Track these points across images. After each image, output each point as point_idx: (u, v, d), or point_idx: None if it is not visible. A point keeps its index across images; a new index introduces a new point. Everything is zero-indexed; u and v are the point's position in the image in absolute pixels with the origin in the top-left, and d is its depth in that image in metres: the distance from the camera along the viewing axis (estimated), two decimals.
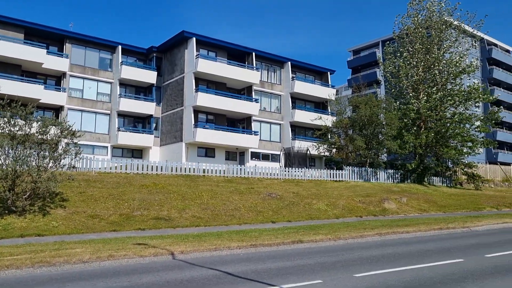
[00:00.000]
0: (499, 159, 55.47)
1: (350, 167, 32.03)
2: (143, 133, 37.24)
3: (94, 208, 17.58)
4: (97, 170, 24.01)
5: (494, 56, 60.01)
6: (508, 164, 51.30)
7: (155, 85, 38.43)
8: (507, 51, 64.92)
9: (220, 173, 27.20)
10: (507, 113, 59.35)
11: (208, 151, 36.50)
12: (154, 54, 39.02)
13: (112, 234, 14.99)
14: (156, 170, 25.46)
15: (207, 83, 37.09)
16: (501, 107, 50.56)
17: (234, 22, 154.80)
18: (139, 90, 38.98)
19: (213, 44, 37.40)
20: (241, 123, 39.42)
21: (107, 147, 36.30)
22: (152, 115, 37.98)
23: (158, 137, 38.58)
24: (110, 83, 37.42)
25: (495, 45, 61.74)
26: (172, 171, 25.84)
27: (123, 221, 16.86)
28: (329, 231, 15.14)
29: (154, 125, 38.54)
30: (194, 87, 35.07)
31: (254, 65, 38.63)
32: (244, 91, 39.33)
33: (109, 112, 36.97)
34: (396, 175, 34.16)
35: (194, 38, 35.66)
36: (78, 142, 18.20)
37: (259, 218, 19.35)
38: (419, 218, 20.90)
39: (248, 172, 28.26)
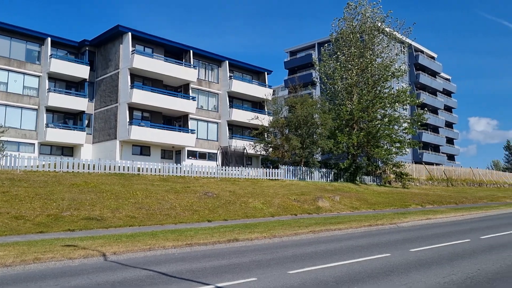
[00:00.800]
0: (424, 159, 58.96)
1: (286, 166, 32.61)
2: (74, 130, 35.67)
3: (19, 209, 16.59)
4: (23, 169, 22.69)
5: (421, 62, 63.66)
6: (432, 164, 54.74)
7: (87, 80, 36.88)
8: (432, 57, 69.09)
9: (155, 171, 26.69)
10: (431, 116, 63.30)
11: (143, 149, 35.67)
12: (87, 48, 37.47)
13: (39, 236, 14.21)
14: (88, 169, 24.51)
15: (143, 79, 36.22)
16: (426, 109, 53.84)
17: (172, 19, 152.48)
18: (70, 85, 37.28)
19: (149, 40, 36.58)
20: (177, 121, 38.89)
21: (34, 144, 34.38)
22: (84, 111, 36.46)
23: (91, 134, 37.11)
24: (38, 76, 35.46)
25: (422, 51, 65.49)
26: (105, 169, 25.00)
27: (51, 222, 16.04)
28: (264, 229, 15.32)
29: (86, 121, 37.03)
30: (129, 84, 34.12)
31: (192, 63, 38.26)
32: (181, 89, 38.82)
33: (36, 107, 35.02)
34: (330, 174, 35.24)
35: (130, 33, 34.67)
36: (1, 139, 17.08)
37: (195, 217, 19.20)
38: (351, 215, 21.69)
39: (184, 170, 27.95)
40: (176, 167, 27.80)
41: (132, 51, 34.26)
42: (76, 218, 16.81)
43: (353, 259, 10.37)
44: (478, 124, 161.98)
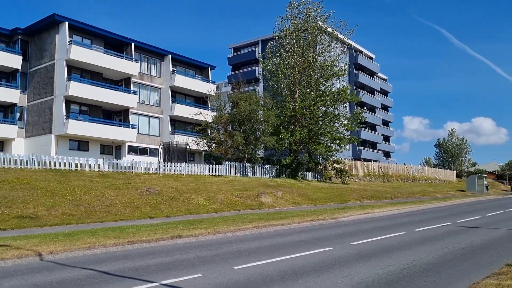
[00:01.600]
0: (363, 156, 61.14)
1: (229, 162, 32.63)
2: (4, 123, 33.56)
3: None
4: None
5: (360, 62, 65.88)
6: (370, 161, 56.92)
7: (20, 71, 34.80)
8: (371, 58, 71.72)
9: (94, 167, 25.79)
10: (369, 114, 65.72)
11: (81, 144, 34.26)
12: (20, 37, 35.36)
13: None
14: (21, 164, 23.25)
15: (81, 72, 34.75)
16: (365, 108, 55.85)
17: (112, 12, 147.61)
18: (1, 75, 35.03)
19: (88, 31, 35.10)
20: (118, 115, 37.71)
21: None
22: (16, 103, 34.40)
23: (23, 128, 35.07)
24: None
25: (361, 52, 67.77)
26: (39, 165, 23.81)
27: None
28: (208, 225, 15.24)
29: (18, 114, 34.96)
30: (66, 76, 32.59)
31: (133, 56, 37.22)
32: (122, 83, 37.66)
33: None
34: (272, 170, 35.66)
35: (67, 23, 33.09)
36: None
37: (137, 214, 18.74)
38: (293, 210, 22.08)
39: (125, 166, 27.19)
40: (117, 163, 27.00)
41: (69, 41, 32.75)
42: (8, 216, 15.87)
43: (297, 253, 10.56)
44: (411, 123, 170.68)
